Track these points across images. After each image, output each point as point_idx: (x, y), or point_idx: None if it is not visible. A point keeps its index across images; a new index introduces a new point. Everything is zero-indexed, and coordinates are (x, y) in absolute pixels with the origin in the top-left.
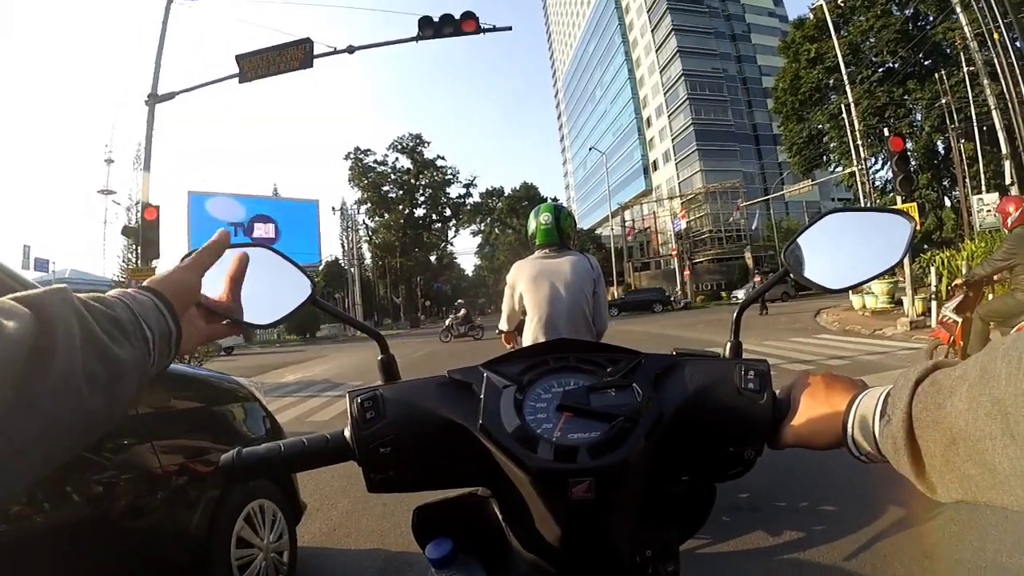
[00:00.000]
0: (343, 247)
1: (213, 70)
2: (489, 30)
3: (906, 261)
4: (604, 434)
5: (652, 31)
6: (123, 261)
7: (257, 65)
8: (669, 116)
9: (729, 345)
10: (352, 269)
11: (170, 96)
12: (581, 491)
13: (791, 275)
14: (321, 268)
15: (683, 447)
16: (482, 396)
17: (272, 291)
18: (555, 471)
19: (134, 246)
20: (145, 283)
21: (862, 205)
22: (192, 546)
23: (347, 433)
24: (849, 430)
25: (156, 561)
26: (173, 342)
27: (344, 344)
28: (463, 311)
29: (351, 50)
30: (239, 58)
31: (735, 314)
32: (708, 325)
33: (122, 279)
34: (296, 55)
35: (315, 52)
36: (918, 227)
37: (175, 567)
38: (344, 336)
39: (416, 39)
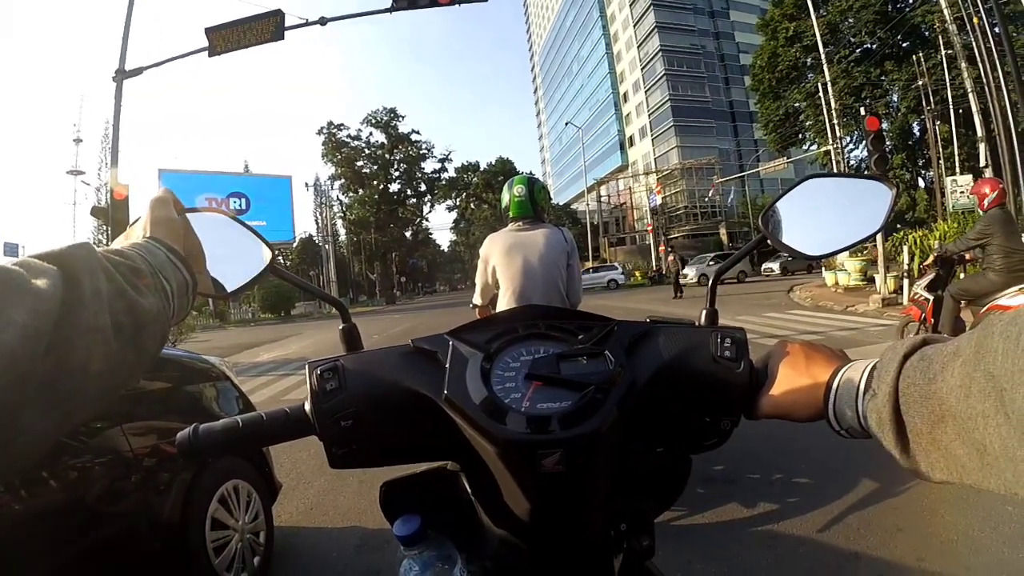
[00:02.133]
0: (317, 223)
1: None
2: (465, 1)
3: (879, 238)
4: (575, 403)
5: (631, 5)
6: (93, 243)
7: (227, 38)
8: (646, 92)
9: (704, 313)
10: (326, 246)
11: (138, 72)
12: (551, 463)
13: (768, 240)
14: (295, 245)
15: (658, 417)
16: (447, 365)
17: (231, 261)
18: (524, 442)
19: (104, 227)
20: (148, 234)
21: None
22: (166, 529)
23: (307, 406)
24: (831, 403)
25: (130, 546)
26: (190, 292)
27: (319, 322)
28: None
29: (323, 21)
30: (208, 31)
31: (711, 282)
32: (682, 301)
33: None
34: (267, 27)
35: (286, 24)
36: None
37: (149, 551)
38: (319, 313)
39: (390, 10)
